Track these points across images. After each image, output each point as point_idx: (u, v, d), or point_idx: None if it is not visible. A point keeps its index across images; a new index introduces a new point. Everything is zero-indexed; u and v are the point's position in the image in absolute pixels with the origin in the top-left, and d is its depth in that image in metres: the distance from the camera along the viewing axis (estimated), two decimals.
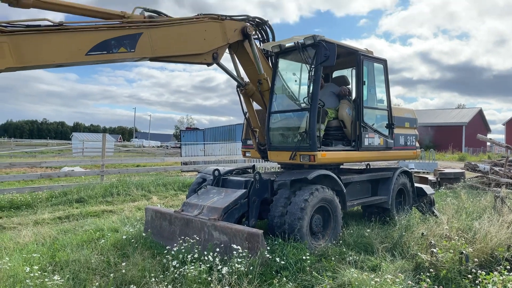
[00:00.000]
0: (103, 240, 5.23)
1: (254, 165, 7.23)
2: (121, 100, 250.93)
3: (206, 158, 17.23)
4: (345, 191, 5.77)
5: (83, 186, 9.93)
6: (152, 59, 4.77)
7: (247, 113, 6.48)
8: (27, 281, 3.71)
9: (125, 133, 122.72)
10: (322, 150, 5.58)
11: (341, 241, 5.42)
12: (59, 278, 3.76)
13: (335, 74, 7.83)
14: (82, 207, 8.53)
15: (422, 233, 5.06)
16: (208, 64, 5.49)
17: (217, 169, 6.17)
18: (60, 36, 3.85)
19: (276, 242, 4.65)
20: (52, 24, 3.80)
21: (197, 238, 4.60)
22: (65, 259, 4.59)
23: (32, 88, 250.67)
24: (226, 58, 6.10)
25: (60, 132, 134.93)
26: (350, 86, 7.01)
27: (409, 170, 7.45)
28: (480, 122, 49.80)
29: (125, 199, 9.49)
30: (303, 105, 5.78)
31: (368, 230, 5.51)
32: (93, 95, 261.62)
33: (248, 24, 5.87)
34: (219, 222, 4.63)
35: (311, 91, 5.59)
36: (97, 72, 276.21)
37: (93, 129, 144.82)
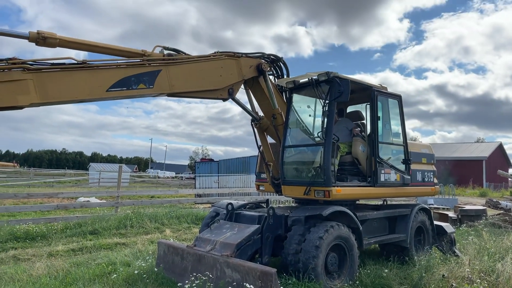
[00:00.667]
0: (115, 275, 5.18)
1: (268, 200, 7.17)
2: (138, 131, 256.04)
3: (219, 190, 17.21)
4: (361, 228, 5.62)
5: (98, 217, 9.98)
6: (170, 95, 4.91)
7: (261, 147, 6.51)
8: None
9: (141, 164, 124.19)
10: (337, 186, 5.51)
11: (357, 282, 5.22)
12: None
13: (349, 109, 7.87)
14: (96, 239, 8.53)
15: (443, 275, 4.84)
16: (224, 100, 5.62)
17: (230, 203, 6.14)
18: (82, 74, 4.03)
19: (289, 281, 4.52)
20: (76, 62, 4.00)
21: (209, 275, 4.51)
22: None
23: (53, 119, 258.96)
24: (241, 92, 6.24)
25: (78, 162, 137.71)
26: (364, 121, 7.00)
27: (428, 207, 7.24)
28: (500, 156, 48.60)
29: (138, 231, 9.47)
30: (318, 139, 5.79)
31: (386, 270, 5.31)
32: (112, 125, 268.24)
33: (263, 61, 6.03)
34: (231, 259, 4.55)
35: (325, 126, 5.61)
36: (117, 104, 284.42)
37: (110, 159, 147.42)
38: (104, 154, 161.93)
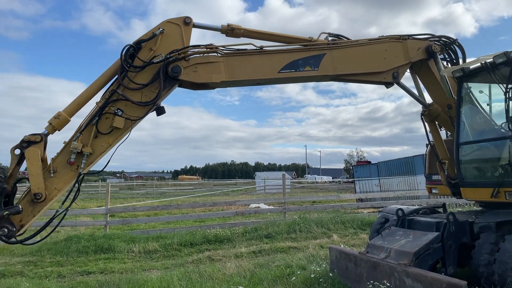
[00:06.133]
0: (294, 278, 5.58)
1: (444, 204, 6.49)
2: (292, 138, 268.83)
3: (383, 194, 16.43)
4: None
5: (270, 223, 10.92)
6: (333, 78, 5.14)
7: (433, 142, 5.97)
8: None
9: (298, 170, 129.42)
10: None
11: None
12: None
13: None
14: (271, 242, 9.35)
15: None
16: (387, 84, 5.44)
17: (400, 209, 5.83)
18: (260, 57, 4.72)
19: None
20: (255, 48, 4.72)
21: (387, 284, 4.39)
22: None
23: (223, 136, 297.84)
24: (406, 78, 5.89)
25: (244, 171, 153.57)
26: None
27: None
28: None
29: (307, 236, 9.92)
30: (503, 131, 4.97)
31: None
32: (269, 136, 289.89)
33: (433, 43, 5.59)
34: (411, 268, 4.31)
35: (510, 115, 4.77)
36: (271, 116, 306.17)
37: (270, 167, 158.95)
38: (265, 163, 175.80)
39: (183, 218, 12.89)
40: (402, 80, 5.54)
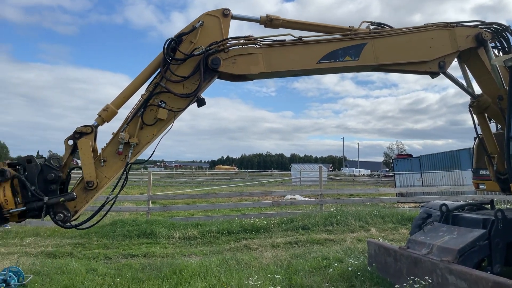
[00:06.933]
0: (331, 270, 5.58)
1: (492, 200, 6.16)
2: (329, 130, 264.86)
3: (425, 189, 15.85)
4: None
5: (306, 214, 10.91)
6: (375, 68, 4.98)
7: (481, 135, 5.67)
8: None
9: (335, 162, 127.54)
10: None
11: None
12: None
13: None
14: (307, 234, 9.36)
15: None
16: (433, 74, 5.20)
17: (444, 204, 5.62)
18: (299, 48, 4.64)
19: None
20: (294, 38, 4.64)
21: (429, 280, 4.28)
22: (300, 283, 5.16)
23: (259, 127, 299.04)
24: (453, 68, 5.62)
25: (280, 162, 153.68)
26: None
27: None
28: None
29: (344, 229, 9.82)
30: None
31: None
32: (306, 128, 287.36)
33: (483, 30, 5.27)
34: (454, 265, 4.17)
35: None
36: (308, 108, 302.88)
37: (306, 159, 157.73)
38: (301, 155, 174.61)
39: (220, 207, 13.19)
40: (449, 70, 5.27)
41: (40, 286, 5.27)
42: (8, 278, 5.09)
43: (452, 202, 5.88)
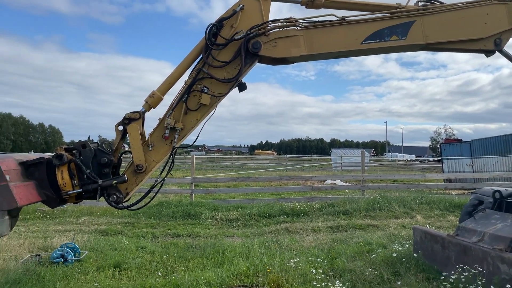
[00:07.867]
0: (374, 255, 5.50)
1: None
2: (371, 115, 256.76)
3: (476, 175, 15.04)
4: None
5: (348, 199, 10.76)
6: (423, 48, 4.73)
7: None
8: (313, 283, 4.40)
9: (377, 147, 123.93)
10: None
11: None
12: (341, 284, 4.26)
13: None
14: (349, 219, 9.25)
15: None
16: (487, 52, 4.86)
17: (498, 191, 5.31)
18: (341, 28, 4.49)
19: None
20: (336, 18, 4.49)
21: (479, 269, 4.10)
22: (342, 267, 5.14)
23: (298, 112, 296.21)
24: (510, 46, 5.20)
25: (320, 148, 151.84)
26: None
27: None
28: None
29: (387, 215, 9.60)
30: None
31: None
32: (346, 112, 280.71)
33: None
34: (508, 253, 3.96)
35: None
36: (349, 91, 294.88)
37: (347, 144, 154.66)
38: (342, 140, 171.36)
39: (260, 191, 13.34)
40: (506, 48, 4.89)
41: (95, 261, 5.67)
42: (65, 254, 5.53)
43: (506, 188, 5.54)
